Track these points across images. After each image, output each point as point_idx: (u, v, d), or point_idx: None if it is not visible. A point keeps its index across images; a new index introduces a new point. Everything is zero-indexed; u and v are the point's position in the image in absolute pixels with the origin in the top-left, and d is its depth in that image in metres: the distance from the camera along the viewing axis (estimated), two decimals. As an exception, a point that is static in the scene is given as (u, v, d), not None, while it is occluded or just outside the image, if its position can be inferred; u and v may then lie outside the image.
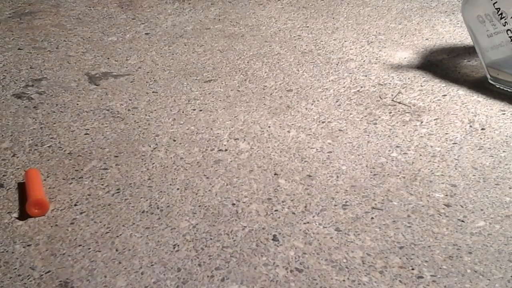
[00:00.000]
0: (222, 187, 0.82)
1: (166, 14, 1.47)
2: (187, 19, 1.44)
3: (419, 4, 1.52)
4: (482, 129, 0.96)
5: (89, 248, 0.71)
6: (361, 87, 1.10)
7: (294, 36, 1.33)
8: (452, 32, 1.33)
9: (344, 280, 0.66)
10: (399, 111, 1.02)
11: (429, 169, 0.86)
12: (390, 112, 1.01)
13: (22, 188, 0.82)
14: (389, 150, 0.91)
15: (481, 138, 0.93)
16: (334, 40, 1.31)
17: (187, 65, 1.20)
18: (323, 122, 0.98)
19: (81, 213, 0.77)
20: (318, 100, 1.05)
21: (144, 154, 0.90)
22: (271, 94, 1.08)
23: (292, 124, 0.98)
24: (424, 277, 0.67)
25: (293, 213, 0.77)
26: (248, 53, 1.25)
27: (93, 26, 1.40)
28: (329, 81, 1.12)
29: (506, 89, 1.06)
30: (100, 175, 0.85)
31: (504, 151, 0.90)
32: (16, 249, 0.71)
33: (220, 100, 1.06)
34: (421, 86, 1.10)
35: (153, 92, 1.09)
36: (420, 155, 0.89)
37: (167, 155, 0.90)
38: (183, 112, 1.02)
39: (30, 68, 1.19)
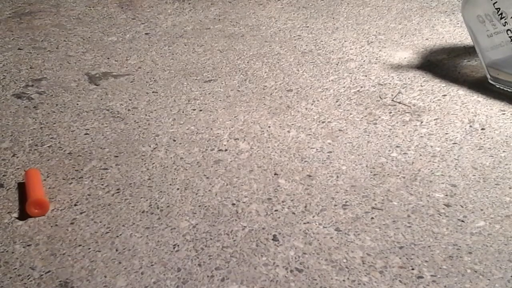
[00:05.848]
0: (222, 187, 0.82)
1: (166, 14, 1.47)
2: (187, 19, 1.44)
3: (419, 4, 1.52)
4: (482, 129, 0.96)
5: (89, 248, 0.71)
6: (361, 87, 1.10)
7: (294, 36, 1.33)
8: (452, 32, 1.33)
9: (344, 280, 0.66)
10: (399, 111, 1.02)
11: (429, 169, 0.86)
12: (390, 112, 1.01)
13: (22, 188, 0.82)
14: (389, 150, 0.91)
15: (481, 138, 0.93)
16: (334, 40, 1.31)
17: (187, 65, 1.20)
18: (323, 122, 0.98)
19: (81, 213, 0.77)
20: (318, 100, 1.05)
21: (144, 154, 0.90)
22: (271, 94, 1.08)
23: (292, 124, 0.98)
24: (424, 277, 0.67)
25: (293, 213, 0.77)
26: (248, 53, 1.25)
27: (93, 26, 1.40)
28: (329, 81, 1.12)
29: (506, 89, 1.06)
30: (100, 175, 0.85)
31: (504, 151, 0.90)
32: (16, 249, 0.71)
33: (220, 100, 1.06)
34: (421, 86, 1.10)
35: (153, 92, 1.09)
36: (420, 155, 0.89)
37: (167, 155, 0.90)
38: (183, 112, 1.02)
39: (30, 68, 1.19)
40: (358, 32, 1.35)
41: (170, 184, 0.83)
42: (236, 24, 1.41)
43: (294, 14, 1.47)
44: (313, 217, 0.76)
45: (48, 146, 0.92)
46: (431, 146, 0.91)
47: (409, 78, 1.13)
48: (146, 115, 1.01)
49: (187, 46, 1.29)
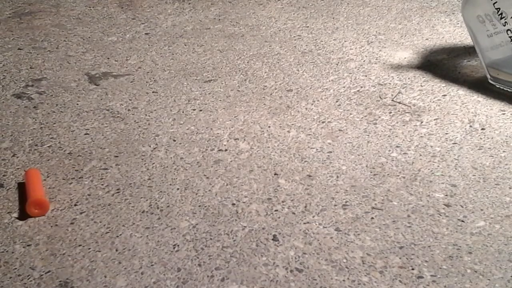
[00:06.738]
0: (222, 187, 0.82)
1: (166, 14, 1.47)
2: (187, 19, 1.44)
3: (419, 4, 1.52)
4: (482, 129, 0.96)
5: (89, 248, 0.71)
6: (361, 87, 1.10)
7: (294, 36, 1.33)
8: (452, 32, 1.33)
9: (344, 280, 0.66)
10: (399, 111, 1.02)
11: (429, 169, 0.86)
12: (390, 112, 1.01)
13: (22, 188, 0.82)
14: (389, 150, 0.91)
15: (481, 138, 0.93)
16: (334, 40, 1.31)
17: (187, 65, 1.20)
18: (323, 122, 0.98)
19: (81, 213, 0.77)
20: (318, 100, 1.05)
21: (144, 154, 0.90)
22: (271, 94, 1.08)
23: (292, 124, 0.98)
24: (424, 277, 0.67)
25: (293, 213, 0.77)
26: (248, 53, 1.25)
27: (93, 26, 1.40)
28: (329, 81, 1.12)
29: (506, 89, 1.06)
30: (100, 175, 0.85)
31: (504, 151, 0.90)
32: (16, 249, 0.71)
33: (220, 100, 1.06)
34: (421, 86, 1.10)
35: (153, 92, 1.09)
36: (420, 155, 0.89)
37: (167, 155, 0.90)
38: (183, 112, 1.02)
39: (30, 68, 1.19)
40: (358, 32, 1.35)
41: (170, 184, 0.83)
42: (236, 24, 1.41)
43: (294, 14, 1.47)
44: (313, 217, 0.76)
45: (48, 146, 0.92)
46: (431, 146, 0.91)
47: (409, 78, 1.13)
48: (146, 115, 1.01)
49: (187, 46, 1.29)
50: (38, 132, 0.96)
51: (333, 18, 1.44)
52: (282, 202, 0.79)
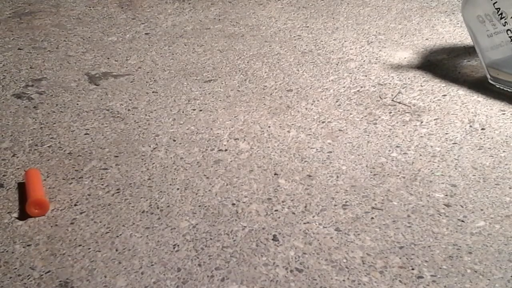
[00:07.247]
0: (222, 187, 0.82)
1: (166, 14, 1.47)
2: (187, 19, 1.44)
3: (419, 4, 1.52)
4: (482, 129, 0.96)
5: (89, 248, 0.71)
6: (361, 87, 1.10)
7: (294, 36, 1.33)
8: (452, 32, 1.33)
9: (344, 280, 0.66)
10: (399, 111, 1.02)
11: (429, 169, 0.86)
12: (390, 112, 1.01)
13: (22, 188, 0.82)
14: (389, 150, 0.91)
15: (481, 138, 0.93)
16: (334, 40, 1.31)
17: (187, 65, 1.20)
18: (323, 122, 0.98)
19: (81, 213, 0.77)
20: (318, 100, 1.05)
21: (144, 154, 0.90)
22: (271, 94, 1.08)
23: (292, 124, 0.98)
24: (424, 277, 0.67)
25: (293, 213, 0.77)
26: (248, 53, 1.25)
27: (93, 26, 1.40)
28: (329, 81, 1.12)
29: (506, 89, 1.06)
30: (100, 175, 0.85)
31: (504, 151, 0.90)
32: (16, 249, 0.71)
33: (220, 100, 1.06)
34: (421, 86, 1.10)
35: (153, 92, 1.09)
36: (420, 155, 0.89)
37: (167, 155, 0.90)
38: (183, 112, 1.02)
39: (30, 68, 1.19)
40: (358, 32, 1.35)
41: (170, 184, 0.83)
42: (236, 24, 1.41)
43: (294, 14, 1.47)
44: (313, 217, 0.76)
45: (48, 146, 0.92)
46: (431, 146, 0.91)
47: (409, 78, 1.13)
48: (146, 115, 1.01)
49: (187, 46, 1.29)
50: (38, 132, 0.96)
51: (333, 18, 1.44)
52: (282, 202, 0.79)
